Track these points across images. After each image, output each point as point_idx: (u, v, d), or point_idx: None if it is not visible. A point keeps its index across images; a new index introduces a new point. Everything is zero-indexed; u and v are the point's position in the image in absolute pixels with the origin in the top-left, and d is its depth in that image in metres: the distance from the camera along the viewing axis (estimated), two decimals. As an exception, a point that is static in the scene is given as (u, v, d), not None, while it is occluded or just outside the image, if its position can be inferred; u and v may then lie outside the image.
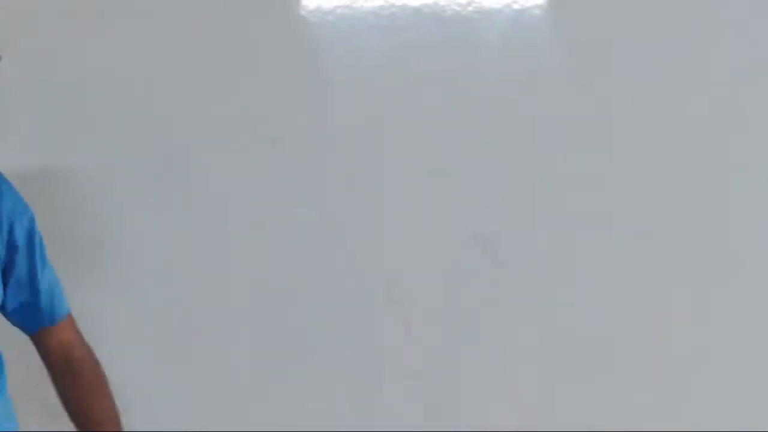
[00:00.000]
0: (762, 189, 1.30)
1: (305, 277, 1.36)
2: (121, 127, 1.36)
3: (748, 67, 1.27)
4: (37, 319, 0.93)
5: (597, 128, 1.31)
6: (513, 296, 1.35)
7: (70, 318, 0.97)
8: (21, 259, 0.91)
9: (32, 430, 1.15)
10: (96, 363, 0.97)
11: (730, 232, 1.30)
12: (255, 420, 1.38)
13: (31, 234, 0.92)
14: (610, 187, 1.33)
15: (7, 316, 0.92)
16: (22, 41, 1.28)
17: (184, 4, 1.36)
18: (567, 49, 1.35)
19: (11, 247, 0.90)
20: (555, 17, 1.32)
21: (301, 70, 1.38)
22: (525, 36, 1.32)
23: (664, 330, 1.34)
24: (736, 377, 1.31)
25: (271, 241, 1.36)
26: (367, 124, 1.35)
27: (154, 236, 1.35)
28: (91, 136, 1.35)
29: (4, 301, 0.89)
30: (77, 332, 0.97)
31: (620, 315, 1.33)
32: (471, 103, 1.34)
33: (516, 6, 1.31)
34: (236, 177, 1.36)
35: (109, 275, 1.34)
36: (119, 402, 1.05)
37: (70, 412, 0.94)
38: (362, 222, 1.36)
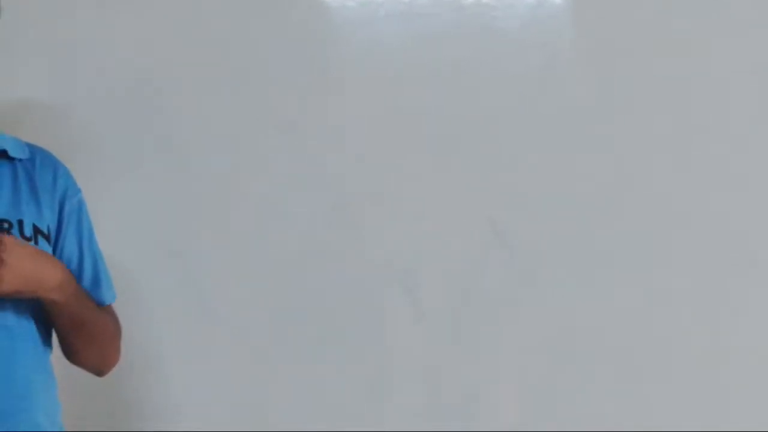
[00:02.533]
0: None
1: (319, 266, 1.36)
2: (133, 114, 1.37)
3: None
4: None
5: (615, 119, 1.31)
6: (527, 284, 1.35)
7: (111, 309, 0.97)
8: (68, 236, 0.92)
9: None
10: (115, 327, 0.99)
11: (743, 227, 1.30)
12: (263, 409, 1.38)
13: (79, 215, 0.94)
14: (627, 178, 1.32)
15: None
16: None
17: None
18: (586, 39, 1.35)
19: (60, 221, 0.91)
20: (575, 6, 1.32)
21: (318, 56, 1.38)
22: (544, 24, 1.32)
23: (678, 317, 1.33)
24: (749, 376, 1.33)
25: (285, 229, 1.36)
26: (384, 111, 1.35)
27: (166, 225, 1.35)
28: (102, 122, 1.36)
29: None
30: (115, 318, 0.99)
31: (635, 303, 1.33)
32: (488, 92, 1.34)
33: (536, -6, 1.31)
34: (250, 164, 1.36)
35: (119, 264, 1.32)
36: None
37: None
38: (377, 210, 1.36)
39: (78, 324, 0.89)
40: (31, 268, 0.79)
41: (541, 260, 1.36)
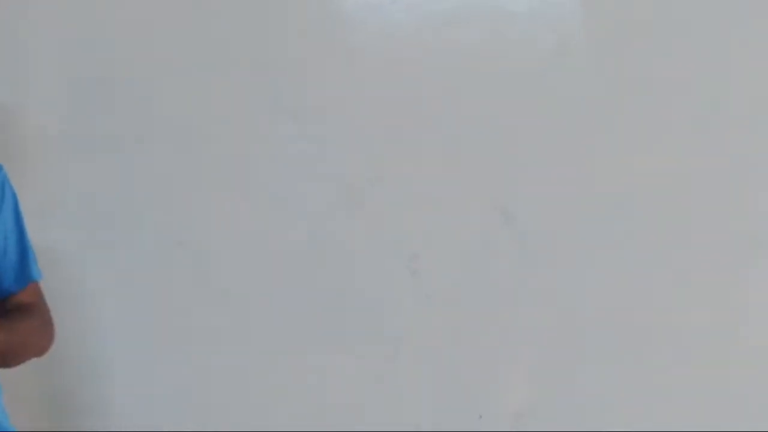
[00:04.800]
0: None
1: (326, 251, 1.38)
2: (142, 100, 1.40)
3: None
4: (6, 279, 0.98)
5: (625, 104, 1.32)
6: (534, 272, 1.37)
7: (37, 287, 1.01)
8: None
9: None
10: (40, 319, 1.01)
11: (754, 221, 1.33)
12: (272, 391, 1.40)
13: (3, 196, 0.98)
14: (638, 165, 1.33)
15: None
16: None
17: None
18: (597, 21, 1.36)
19: None
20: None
21: (328, 41, 1.40)
22: (555, 8, 1.33)
23: (688, 306, 1.33)
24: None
25: (291, 216, 1.39)
26: (393, 97, 1.38)
27: (174, 211, 1.38)
28: (110, 110, 1.38)
29: None
30: (40, 300, 1.01)
31: (640, 292, 1.34)
32: (498, 77, 1.36)
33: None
34: (258, 149, 1.39)
35: (121, 252, 1.37)
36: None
37: None
38: (385, 195, 1.39)
39: (11, 355, 0.94)
40: None
41: (549, 245, 1.37)
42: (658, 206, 1.32)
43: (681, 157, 1.31)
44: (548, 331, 1.37)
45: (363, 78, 1.38)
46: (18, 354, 0.95)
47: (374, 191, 1.38)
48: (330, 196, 1.37)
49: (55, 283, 1.09)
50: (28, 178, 1.19)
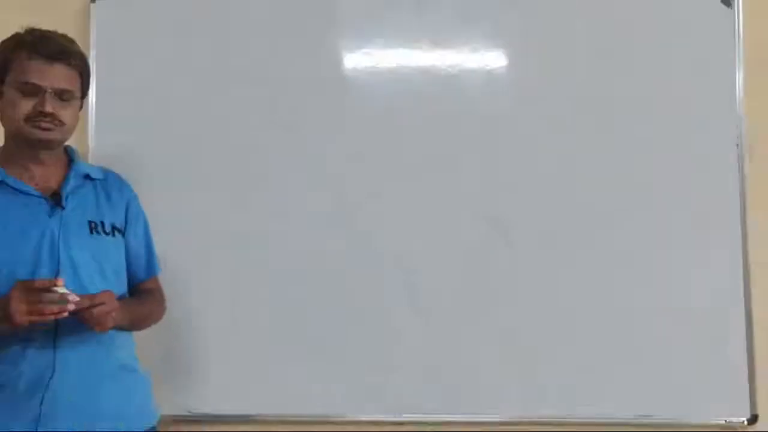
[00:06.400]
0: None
1: (319, 263, 1.56)
2: (144, 109, 1.61)
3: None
4: (138, 272, 1.32)
5: (599, 127, 1.57)
6: (522, 276, 1.55)
7: (156, 281, 1.36)
8: (133, 230, 1.30)
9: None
10: (158, 301, 1.34)
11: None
12: (265, 395, 1.57)
13: (137, 215, 1.32)
14: (615, 180, 1.56)
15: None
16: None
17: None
18: (586, 47, 1.60)
19: (126, 220, 1.29)
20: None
21: (320, 57, 1.60)
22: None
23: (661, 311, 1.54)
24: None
25: (291, 230, 1.57)
26: (384, 113, 1.58)
27: (173, 217, 1.54)
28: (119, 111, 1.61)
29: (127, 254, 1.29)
30: (159, 286, 1.36)
31: (620, 294, 1.54)
32: (487, 94, 1.58)
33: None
34: (254, 160, 1.58)
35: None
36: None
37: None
38: (378, 209, 1.57)
39: (138, 323, 1.28)
40: (119, 319, 1.17)
41: (535, 251, 1.55)
42: (644, 220, 1.55)
43: (656, 179, 1.55)
44: (539, 336, 1.54)
45: (353, 95, 1.59)
46: (144, 322, 1.30)
47: (367, 204, 1.57)
48: (323, 208, 1.56)
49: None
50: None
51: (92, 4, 1.63)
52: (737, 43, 1.57)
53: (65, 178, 1.21)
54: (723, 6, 1.57)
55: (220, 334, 1.57)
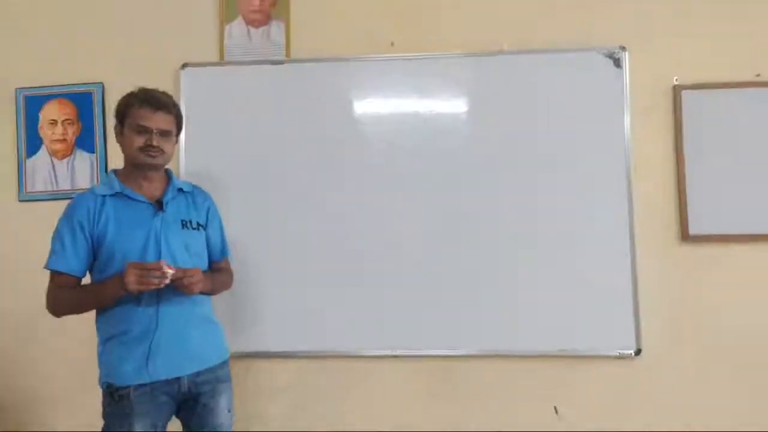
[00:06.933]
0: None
1: (343, 246, 1.96)
2: (220, 143, 2.03)
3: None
4: (215, 255, 1.72)
5: (524, 162, 1.95)
6: (485, 264, 1.95)
7: (227, 262, 1.77)
8: (211, 227, 1.69)
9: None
10: (229, 275, 1.73)
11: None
12: (305, 337, 1.99)
13: (215, 216, 1.72)
14: (533, 186, 1.97)
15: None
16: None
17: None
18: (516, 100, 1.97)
19: (207, 220, 1.67)
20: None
21: (342, 117, 2.04)
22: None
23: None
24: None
25: (311, 223, 1.97)
26: (386, 145, 1.96)
27: (239, 217, 2.01)
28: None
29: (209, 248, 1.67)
30: (229, 265, 1.76)
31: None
32: (448, 133, 1.95)
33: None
34: (297, 181, 1.99)
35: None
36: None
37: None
38: (378, 208, 1.96)
39: (215, 289, 1.63)
40: (202, 286, 1.52)
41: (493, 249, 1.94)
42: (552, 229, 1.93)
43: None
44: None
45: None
46: (220, 289, 1.69)
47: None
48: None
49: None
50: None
51: (182, 71, 2.08)
52: (625, 94, 1.99)
53: (165, 191, 1.60)
54: (615, 67, 1.97)
55: (268, 297, 2.00)
